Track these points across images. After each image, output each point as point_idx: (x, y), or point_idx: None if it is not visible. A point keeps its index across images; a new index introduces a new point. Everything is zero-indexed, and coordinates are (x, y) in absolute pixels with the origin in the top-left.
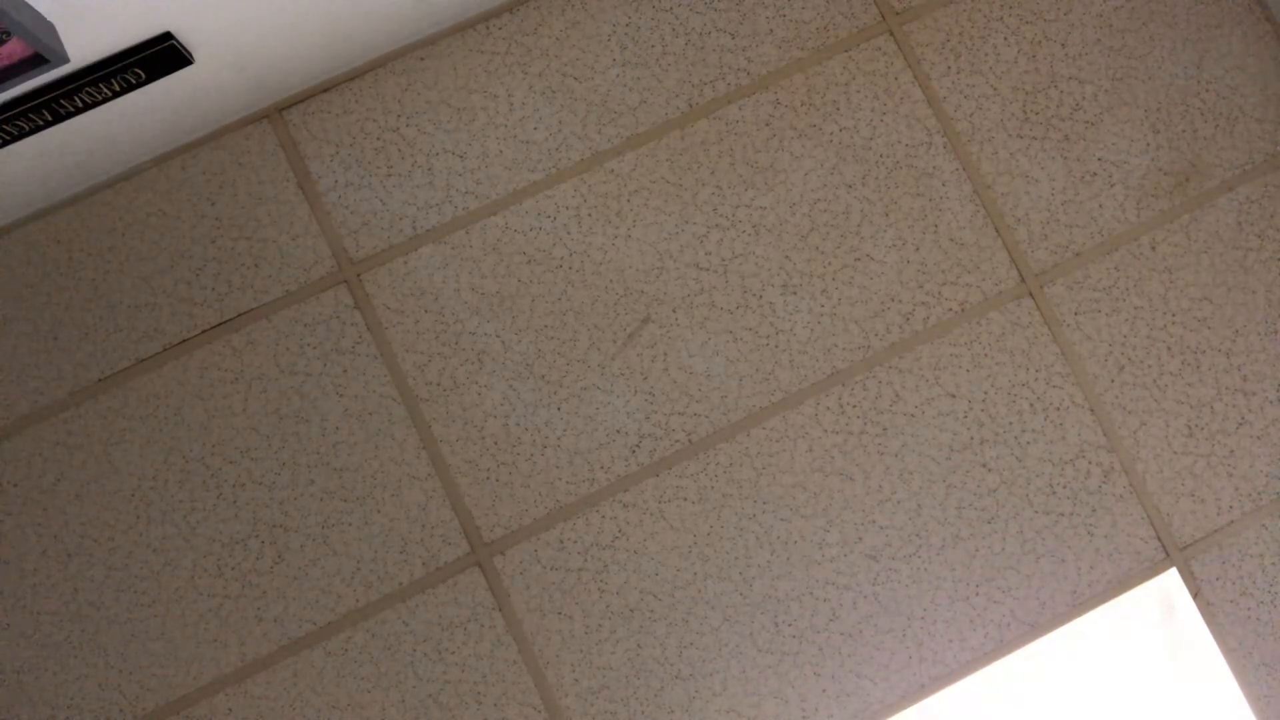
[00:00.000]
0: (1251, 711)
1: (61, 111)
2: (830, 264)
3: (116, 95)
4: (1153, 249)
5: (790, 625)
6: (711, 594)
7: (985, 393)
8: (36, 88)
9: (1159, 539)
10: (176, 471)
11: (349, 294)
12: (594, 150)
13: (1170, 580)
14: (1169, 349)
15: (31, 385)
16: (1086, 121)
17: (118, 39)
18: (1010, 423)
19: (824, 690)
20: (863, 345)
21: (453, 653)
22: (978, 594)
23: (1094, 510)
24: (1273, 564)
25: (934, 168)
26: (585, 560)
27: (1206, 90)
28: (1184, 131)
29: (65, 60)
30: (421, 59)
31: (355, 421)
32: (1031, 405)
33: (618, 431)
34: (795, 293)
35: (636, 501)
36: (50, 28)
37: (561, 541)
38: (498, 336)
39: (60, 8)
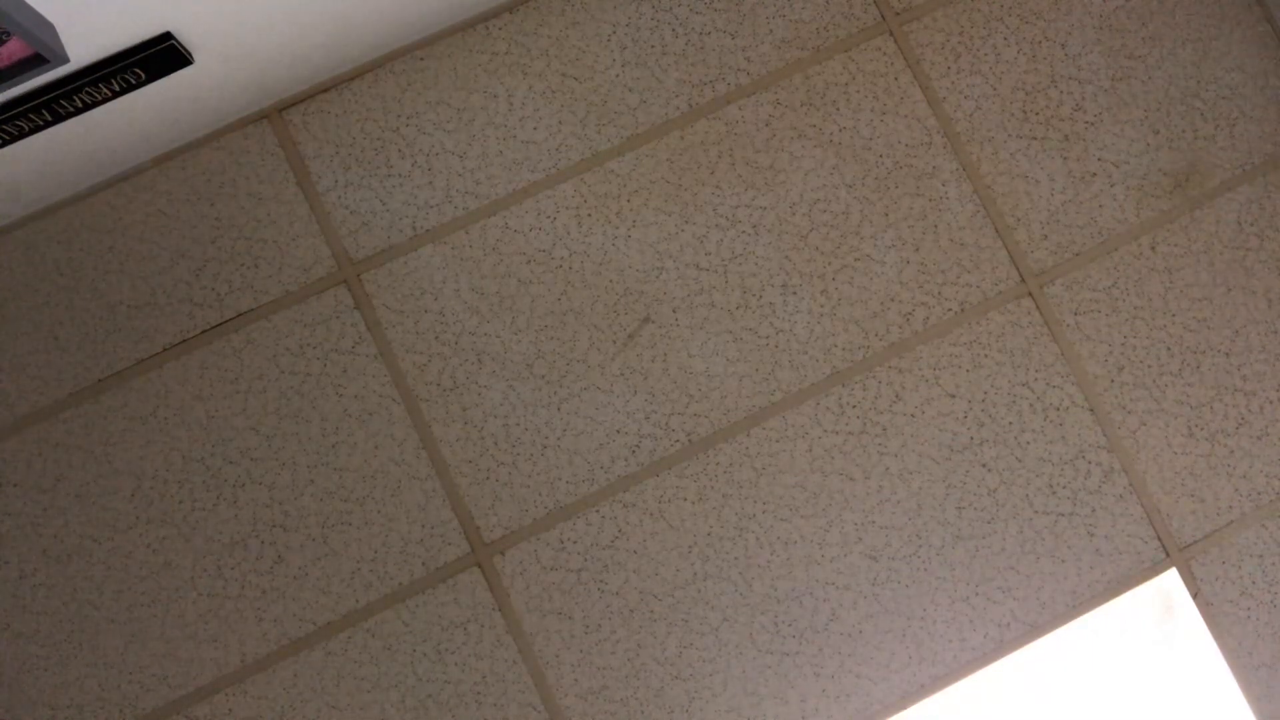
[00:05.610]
0: (1251, 711)
1: (61, 111)
2: (830, 264)
3: (116, 95)
4: (1153, 249)
5: (790, 625)
6: (711, 594)
7: (985, 393)
8: (36, 88)
9: (1159, 539)
10: (176, 471)
11: (349, 294)
12: (594, 150)
13: (1170, 580)
14: (1169, 349)
15: (31, 385)
16: (1086, 121)
17: (118, 39)
18: (1010, 423)
19: (824, 690)
20: (863, 345)
21: (453, 653)
22: (978, 594)
23: (1094, 510)
24: (1273, 564)
25: (934, 168)
26: (585, 560)
27: (1206, 90)
28: (1184, 131)
29: (65, 60)
30: (421, 59)
31: (355, 421)
32: (1031, 405)
33: (618, 431)
34: (795, 293)
35: (636, 501)
36: (50, 28)
37: (561, 541)
38: (498, 336)
39: (60, 8)
